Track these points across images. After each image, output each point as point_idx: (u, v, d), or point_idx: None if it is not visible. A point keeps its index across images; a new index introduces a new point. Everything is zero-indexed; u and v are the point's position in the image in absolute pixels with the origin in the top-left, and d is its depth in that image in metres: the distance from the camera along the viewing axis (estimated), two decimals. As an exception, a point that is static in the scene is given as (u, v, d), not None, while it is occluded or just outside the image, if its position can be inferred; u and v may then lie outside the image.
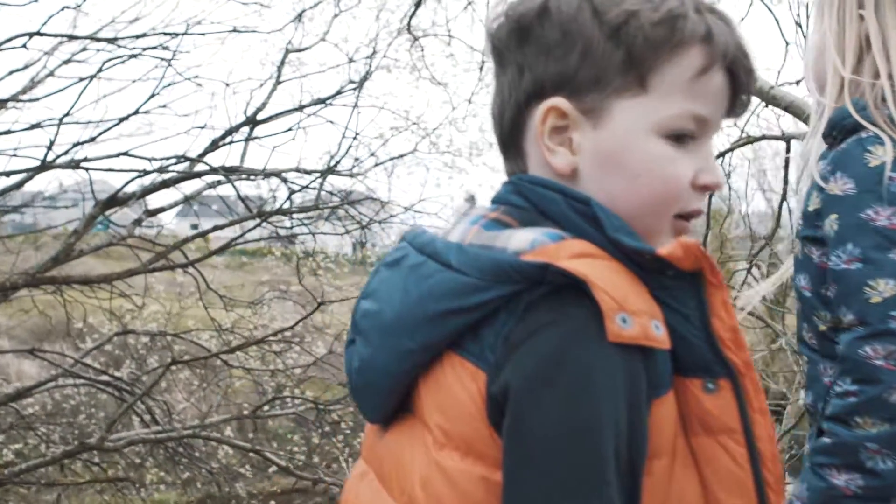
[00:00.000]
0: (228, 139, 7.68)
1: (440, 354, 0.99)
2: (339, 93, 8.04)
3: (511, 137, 1.10)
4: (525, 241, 0.97)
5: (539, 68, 1.04)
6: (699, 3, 1.04)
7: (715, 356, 0.98)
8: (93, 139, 6.91)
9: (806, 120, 4.51)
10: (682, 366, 0.98)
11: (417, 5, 6.96)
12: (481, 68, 7.67)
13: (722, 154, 7.09)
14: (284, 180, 7.98)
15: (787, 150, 6.51)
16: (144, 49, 7.16)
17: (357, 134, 7.34)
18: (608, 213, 1.00)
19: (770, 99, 4.66)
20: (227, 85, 7.31)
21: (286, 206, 7.49)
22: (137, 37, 6.90)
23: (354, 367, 1.11)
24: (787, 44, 5.95)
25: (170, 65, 6.91)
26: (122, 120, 7.03)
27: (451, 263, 0.99)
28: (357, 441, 11.11)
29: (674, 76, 1.02)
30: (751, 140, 6.65)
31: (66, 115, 6.47)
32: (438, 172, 9.40)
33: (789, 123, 7.00)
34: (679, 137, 1.04)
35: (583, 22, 1.02)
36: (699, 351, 0.98)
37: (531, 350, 0.92)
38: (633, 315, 0.91)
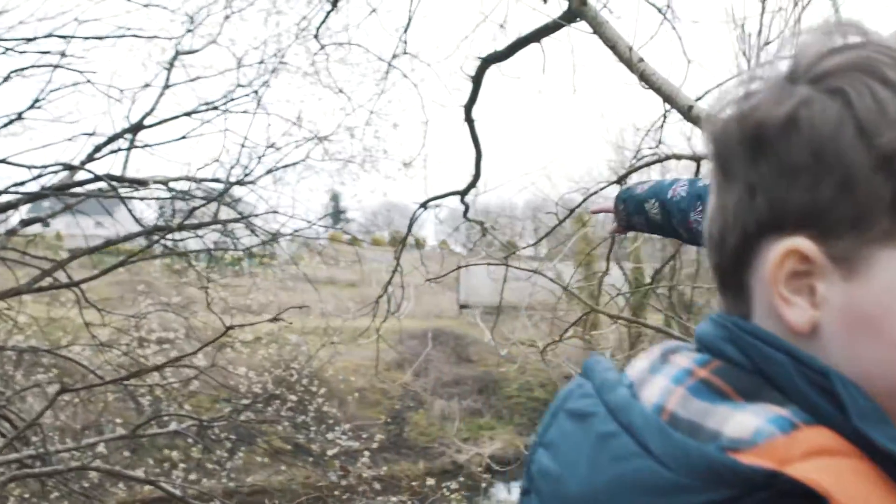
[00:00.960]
0: (115, 146, 7.23)
1: None
2: (232, 98, 7.71)
3: (732, 269, 0.88)
4: (747, 430, 0.77)
5: (778, 194, 0.82)
6: None
7: None
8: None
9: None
10: None
11: (328, 14, 6.73)
12: (387, 72, 7.49)
13: (630, 172, 7.20)
14: (171, 189, 7.62)
15: (697, 170, 6.66)
16: (24, 48, 6.64)
17: (272, 145, 7.04)
18: (854, 392, 0.78)
19: (693, 119, 4.64)
20: (122, 91, 6.87)
21: (180, 218, 7.08)
22: (28, 40, 6.37)
23: None
24: (688, 61, 6.08)
25: (64, 67, 6.41)
26: (6, 124, 6.50)
27: (651, 449, 0.79)
28: (238, 456, 10.79)
29: None
30: (660, 159, 6.76)
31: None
32: (330, 179, 9.15)
33: (700, 143, 7.16)
34: None
35: (844, 144, 0.79)
36: None
37: None
38: None
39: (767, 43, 4.28)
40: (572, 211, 7.34)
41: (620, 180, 7.01)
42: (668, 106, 5.41)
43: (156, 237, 6.84)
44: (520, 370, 20.19)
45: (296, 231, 7.60)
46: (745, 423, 0.77)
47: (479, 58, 5.81)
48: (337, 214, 31.69)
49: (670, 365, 0.87)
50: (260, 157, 7.21)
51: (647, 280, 18.85)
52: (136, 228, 7.51)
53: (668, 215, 2.22)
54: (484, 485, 14.15)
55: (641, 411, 0.82)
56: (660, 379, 0.86)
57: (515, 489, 17.73)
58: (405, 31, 6.79)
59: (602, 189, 7.37)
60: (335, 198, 31.18)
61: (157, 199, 7.18)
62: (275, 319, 6.13)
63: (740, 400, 0.80)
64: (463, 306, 27.71)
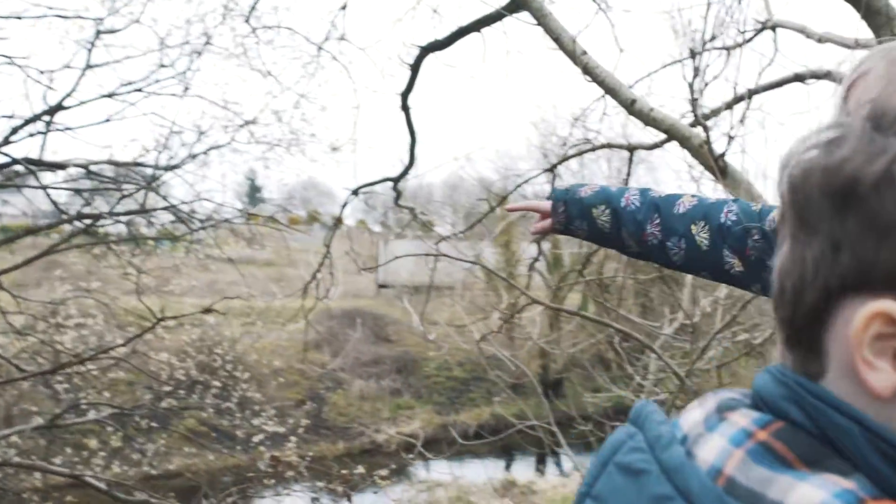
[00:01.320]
0: (32, 128, 6.95)
1: None
2: (157, 80, 7.48)
3: (807, 326, 0.83)
4: (810, 503, 0.72)
5: (866, 253, 0.77)
6: None
7: None
8: None
9: (685, 142, 4.61)
10: None
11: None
12: (319, 51, 7.36)
13: (565, 159, 7.24)
14: (91, 173, 7.38)
15: (630, 160, 6.73)
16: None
17: (203, 132, 6.82)
18: None
19: (650, 121, 4.68)
20: (41, 72, 6.58)
21: (103, 202, 6.84)
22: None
23: None
24: (621, 50, 6.13)
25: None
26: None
27: None
28: (162, 442, 10.57)
29: None
30: (594, 147, 6.81)
31: None
32: (255, 162, 8.97)
33: (633, 133, 7.24)
34: None
35: None
36: None
37: None
38: None
39: (713, 38, 4.32)
40: (504, 198, 7.35)
41: (553, 168, 7.05)
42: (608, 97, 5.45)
43: (82, 224, 6.59)
44: (438, 349, 20.28)
45: (227, 220, 7.43)
46: (809, 496, 0.73)
47: (418, 46, 5.74)
48: (253, 193, 31.24)
49: (727, 423, 0.83)
50: (192, 145, 7.00)
51: (566, 262, 19.09)
52: (49, 208, 7.25)
53: (619, 224, 2.13)
54: (407, 466, 14.14)
55: (698, 476, 0.79)
56: (716, 438, 0.82)
57: (434, 470, 17.81)
58: (342, 8, 6.66)
59: (534, 177, 7.41)
60: (251, 177, 30.75)
61: (86, 190, 6.91)
62: (208, 311, 5.97)
63: (803, 469, 0.76)
64: (382, 286, 27.66)
